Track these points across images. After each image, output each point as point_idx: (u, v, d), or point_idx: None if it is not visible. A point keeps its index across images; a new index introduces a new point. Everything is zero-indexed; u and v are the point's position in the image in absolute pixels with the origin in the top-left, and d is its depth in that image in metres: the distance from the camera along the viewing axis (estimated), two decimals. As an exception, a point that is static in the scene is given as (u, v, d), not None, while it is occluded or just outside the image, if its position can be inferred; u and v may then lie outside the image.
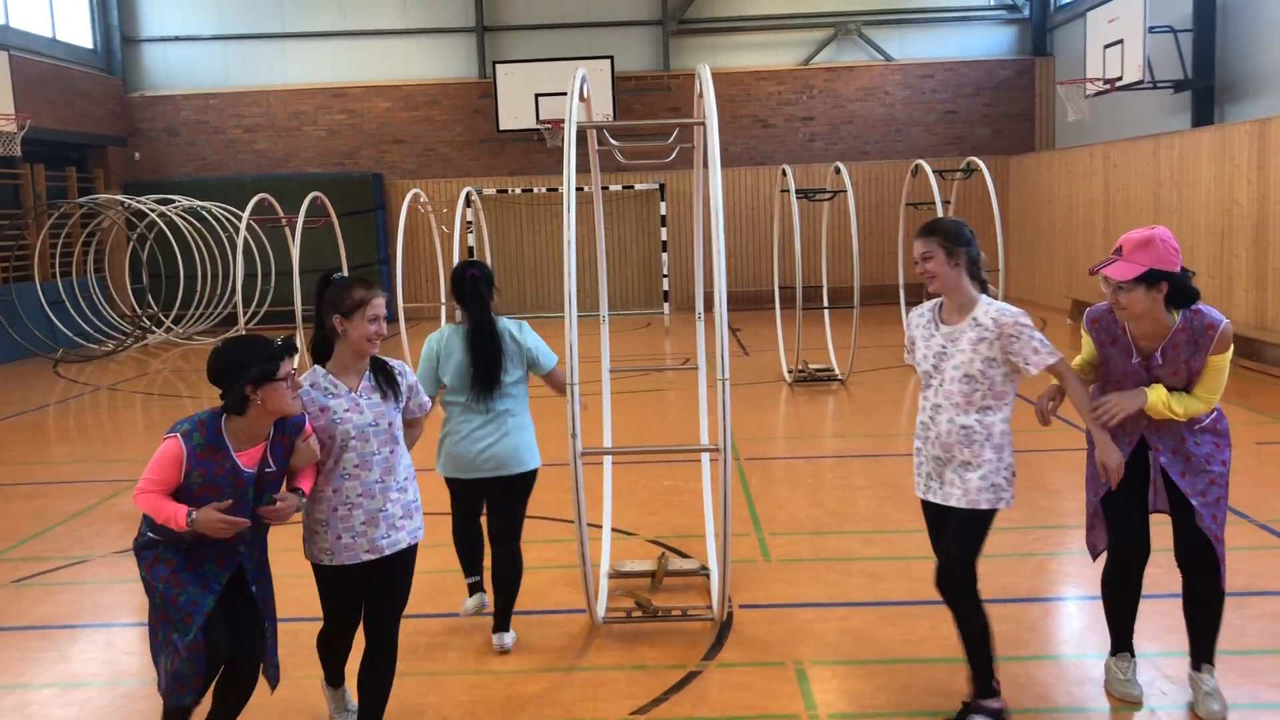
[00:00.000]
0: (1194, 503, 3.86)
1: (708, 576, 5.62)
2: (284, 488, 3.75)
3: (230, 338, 3.60)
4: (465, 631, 5.10)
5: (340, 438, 3.74)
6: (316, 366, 3.86)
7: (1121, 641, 4.25)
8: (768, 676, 4.49)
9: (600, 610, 5.11)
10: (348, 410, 3.77)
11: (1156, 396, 3.79)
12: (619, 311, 19.72)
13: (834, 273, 14.80)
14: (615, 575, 5.65)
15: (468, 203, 12.59)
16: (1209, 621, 4.03)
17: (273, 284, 17.76)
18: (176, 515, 3.49)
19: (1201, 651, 4.06)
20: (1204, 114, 13.90)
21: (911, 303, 15.63)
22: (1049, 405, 3.94)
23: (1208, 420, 3.93)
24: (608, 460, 6.56)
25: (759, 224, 19.39)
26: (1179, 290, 3.74)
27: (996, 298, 4.02)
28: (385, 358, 3.98)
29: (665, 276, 19.72)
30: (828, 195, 11.74)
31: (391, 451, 3.84)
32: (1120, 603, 4.19)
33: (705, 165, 5.12)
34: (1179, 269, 3.75)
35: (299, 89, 20.13)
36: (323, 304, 3.80)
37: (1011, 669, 4.48)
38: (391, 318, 19.23)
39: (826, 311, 12.80)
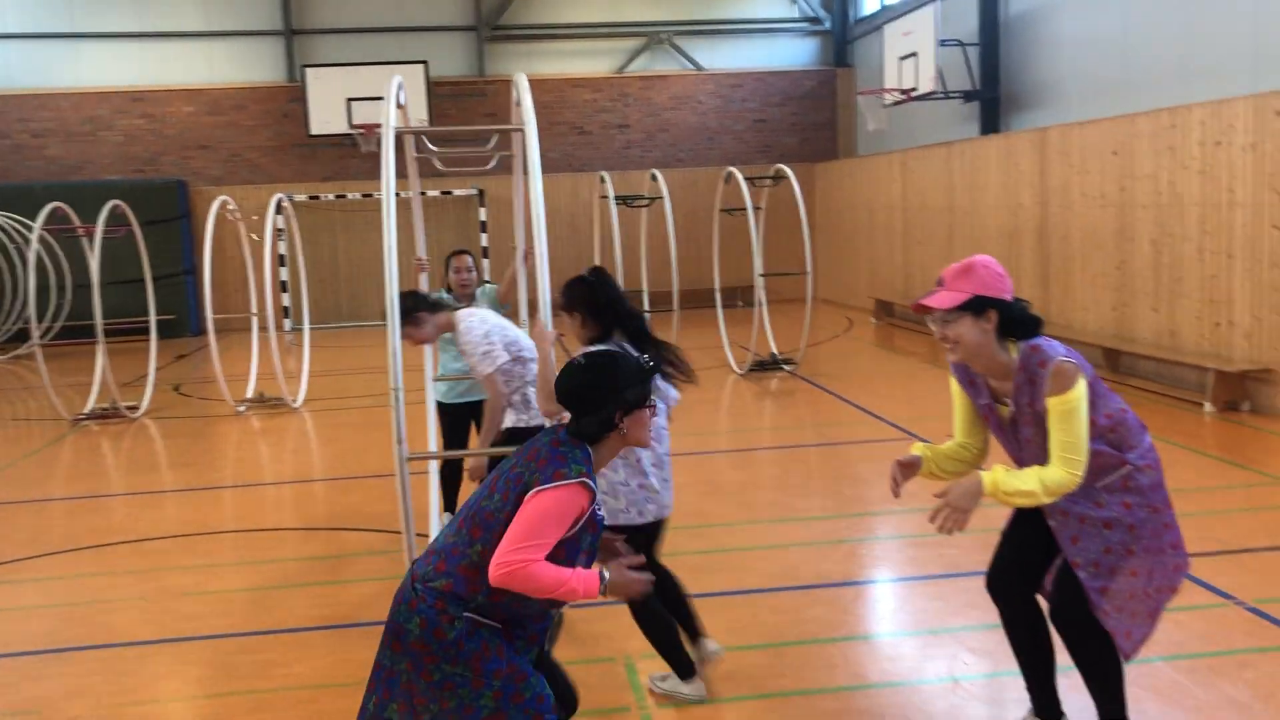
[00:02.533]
0: (1080, 574, 3.41)
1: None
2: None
3: (594, 354, 3.06)
4: (296, 648, 5.02)
5: None
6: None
7: (1033, 699, 3.77)
8: (598, 672, 4.61)
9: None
10: None
11: (991, 482, 3.22)
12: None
13: (654, 278, 15.09)
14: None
15: (278, 210, 12.26)
16: (1096, 689, 3.59)
17: (69, 298, 16.82)
18: (587, 582, 2.79)
19: (1100, 712, 3.63)
20: (991, 123, 14.83)
21: (728, 306, 16.11)
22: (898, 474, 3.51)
23: (1114, 477, 3.37)
24: (433, 467, 6.55)
25: (579, 230, 19.55)
26: (1010, 319, 3.30)
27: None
28: None
29: (487, 282, 19.60)
30: (646, 202, 12.00)
31: None
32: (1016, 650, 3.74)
33: (525, 172, 5.20)
34: (1009, 297, 3.33)
35: (93, 92, 19.13)
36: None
37: (827, 650, 4.74)
38: (199, 330, 18.58)
39: (648, 316, 13.03)
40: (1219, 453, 8.01)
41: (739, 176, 12.00)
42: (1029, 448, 3.41)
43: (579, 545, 2.86)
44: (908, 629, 5.02)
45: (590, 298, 4.32)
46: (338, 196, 19.46)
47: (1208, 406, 9.27)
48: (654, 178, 11.91)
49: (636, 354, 3.36)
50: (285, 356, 14.21)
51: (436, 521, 6.38)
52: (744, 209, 11.60)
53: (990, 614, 4.07)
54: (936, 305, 3.30)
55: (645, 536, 4.24)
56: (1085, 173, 11.62)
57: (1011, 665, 3.78)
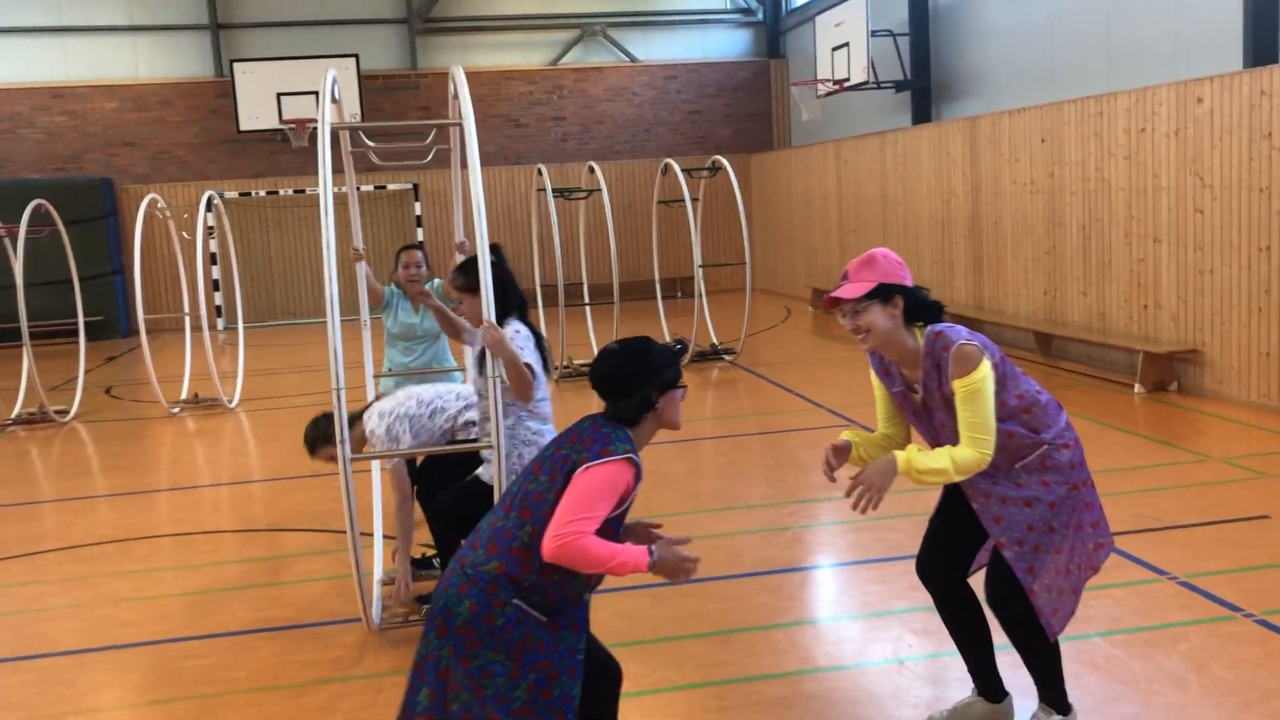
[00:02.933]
0: (1006, 554, 3.49)
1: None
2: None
3: (626, 340, 3.11)
4: (239, 651, 4.95)
5: None
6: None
7: (975, 680, 3.86)
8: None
9: (376, 617, 5.07)
10: None
11: (905, 461, 3.30)
12: (377, 315, 19.32)
13: (593, 270, 15.08)
14: (389, 581, 5.62)
15: (209, 207, 12.04)
16: (1034, 667, 3.67)
17: (-9, 300, 16.36)
18: (636, 557, 2.79)
19: (1040, 691, 3.71)
20: (922, 112, 15.02)
21: (667, 297, 16.15)
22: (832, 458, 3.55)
23: (1032, 457, 3.47)
24: (375, 467, 6.49)
25: (516, 223, 19.46)
26: (914, 304, 3.43)
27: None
28: None
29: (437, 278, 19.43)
30: (584, 194, 11.96)
31: None
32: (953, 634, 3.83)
33: (464, 166, 5.17)
34: (910, 284, 3.47)
35: (10, 88, 18.61)
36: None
37: (774, 636, 4.78)
38: (128, 331, 18.17)
39: (588, 308, 13.04)
40: (1149, 432, 8.21)
41: (676, 168, 12.02)
42: (943, 432, 3.50)
43: (623, 523, 2.93)
44: (852, 613, 5.09)
45: (495, 279, 4.33)
46: (269, 193, 19.16)
47: (1137, 388, 9.49)
48: (591, 170, 11.89)
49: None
50: (219, 356, 13.98)
51: (379, 517, 6.31)
52: (682, 200, 11.63)
53: (933, 595, 4.15)
54: (847, 296, 3.40)
55: None
56: (1015, 160, 11.82)
57: (953, 645, 3.85)
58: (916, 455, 3.31)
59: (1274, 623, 4.63)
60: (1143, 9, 10.65)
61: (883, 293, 3.38)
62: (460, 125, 4.99)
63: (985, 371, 3.32)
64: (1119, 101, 10.05)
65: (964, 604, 3.74)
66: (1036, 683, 3.69)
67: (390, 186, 19.41)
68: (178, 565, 6.29)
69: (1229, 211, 8.78)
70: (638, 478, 2.91)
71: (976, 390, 3.30)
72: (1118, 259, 10.21)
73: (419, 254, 6.59)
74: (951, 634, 3.82)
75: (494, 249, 4.55)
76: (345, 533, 6.51)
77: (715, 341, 12.58)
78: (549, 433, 4.54)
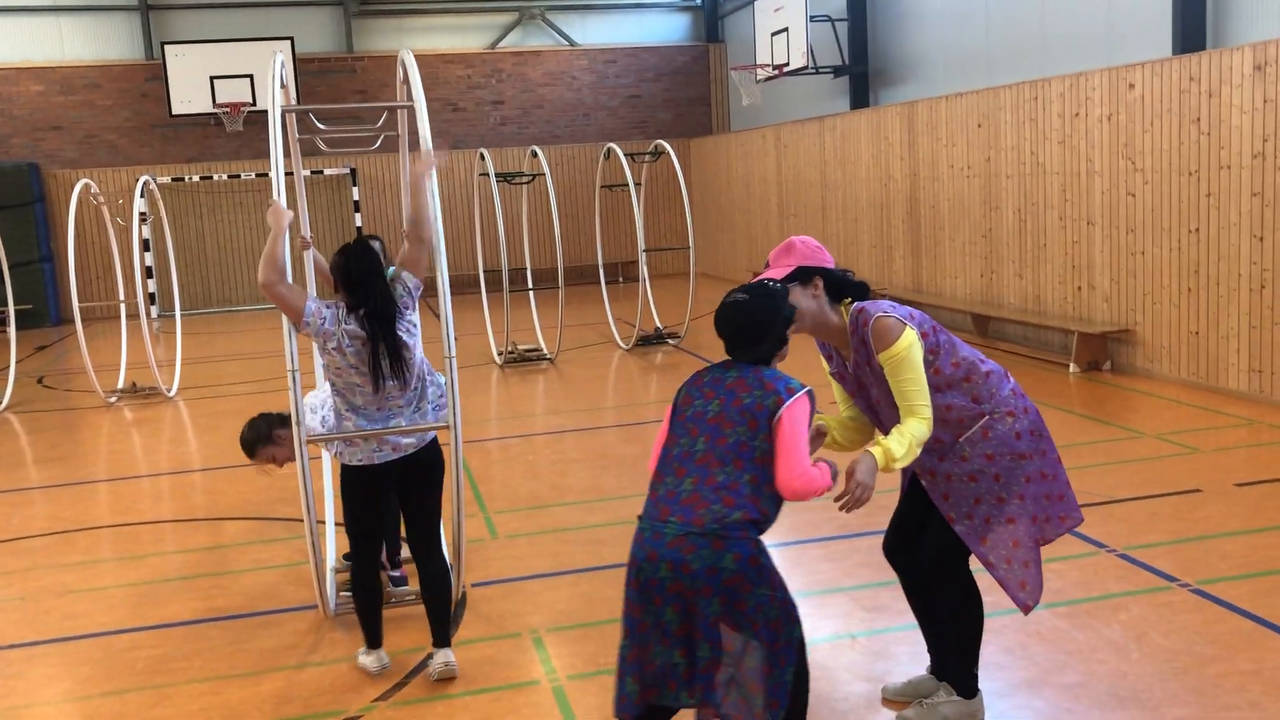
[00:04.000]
0: (958, 529, 3.57)
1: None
2: None
3: (751, 286, 3.28)
4: (192, 640, 4.90)
5: None
6: None
7: (933, 659, 3.97)
8: (508, 649, 4.63)
9: (332, 603, 5.05)
10: None
11: (884, 458, 3.32)
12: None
13: (536, 255, 15.04)
14: (343, 569, 5.59)
15: (143, 193, 11.81)
16: (952, 646, 3.75)
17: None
18: (825, 475, 3.10)
19: (949, 670, 3.81)
20: (860, 98, 15.17)
21: (610, 282, 16.15)
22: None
23: (974, 429, 3.53)
24: (326, 456, 6.44)
25: (457, 208, 19.32)
26: (836, 284, 3.53)
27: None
28: None
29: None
30: (527, 179, 11.93)
31: None
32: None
33: (414, 150, 5.15)
34: (833, 267, 3.57)
35: (-69, 70, 18.06)
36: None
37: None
38: (59, 319, 17.77)
39: (532, 293, 13.02)
40: (1084, 410, 8.43)
41: (619, 152, 12.03)
42: (882, 408, 3.57)
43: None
44: (803, 589, 5.17)
45: (343, 269, 4.24)
46: (203, 178, 18.81)
47: (1072, 367, 9.73)
48: (534, 154, 11.85)
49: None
50: (155, 344, 13.73)
51: (331, 503, 6.27)
52: (624, 185, 11.65)
53: (882, 572, 4.24)
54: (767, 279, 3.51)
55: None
56: (952, 145, 12.01)
57: (902, 620, 3.94)
58: (889, 448, 3.33)
59: (1209, 592, 4.80)
60: (1075, -4, 10.86)
61: (801, 275, 3.47)
62: (411, 107, 4.96)
63: (909, 340, 3.39)
64: (1053, 87, 10.26)
65: (927, 583, 3.82)
66: (949, 662, 3.78)
67: (327, 171, 19.16)
68: (122, 556, 6.20)
69: (1160, 195, 9.01)
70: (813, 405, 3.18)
71: (902, 359, 3.37)
72: (1053, 241, 10.44)
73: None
74: (914, 611, 3.92)
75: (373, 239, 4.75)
76: (291, 521, 6.51)
77: (659, 326, 12.62)
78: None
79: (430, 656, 4.44)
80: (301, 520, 6.16)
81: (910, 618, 4.02)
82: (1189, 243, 8.73)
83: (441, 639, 4.43)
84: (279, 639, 4.86)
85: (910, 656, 4.26)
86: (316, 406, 4.81)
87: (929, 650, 3.97)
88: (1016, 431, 3.55)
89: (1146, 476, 6.56)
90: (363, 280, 4.20)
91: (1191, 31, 9.25)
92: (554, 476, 7.34)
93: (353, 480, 4.36)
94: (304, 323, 4.24)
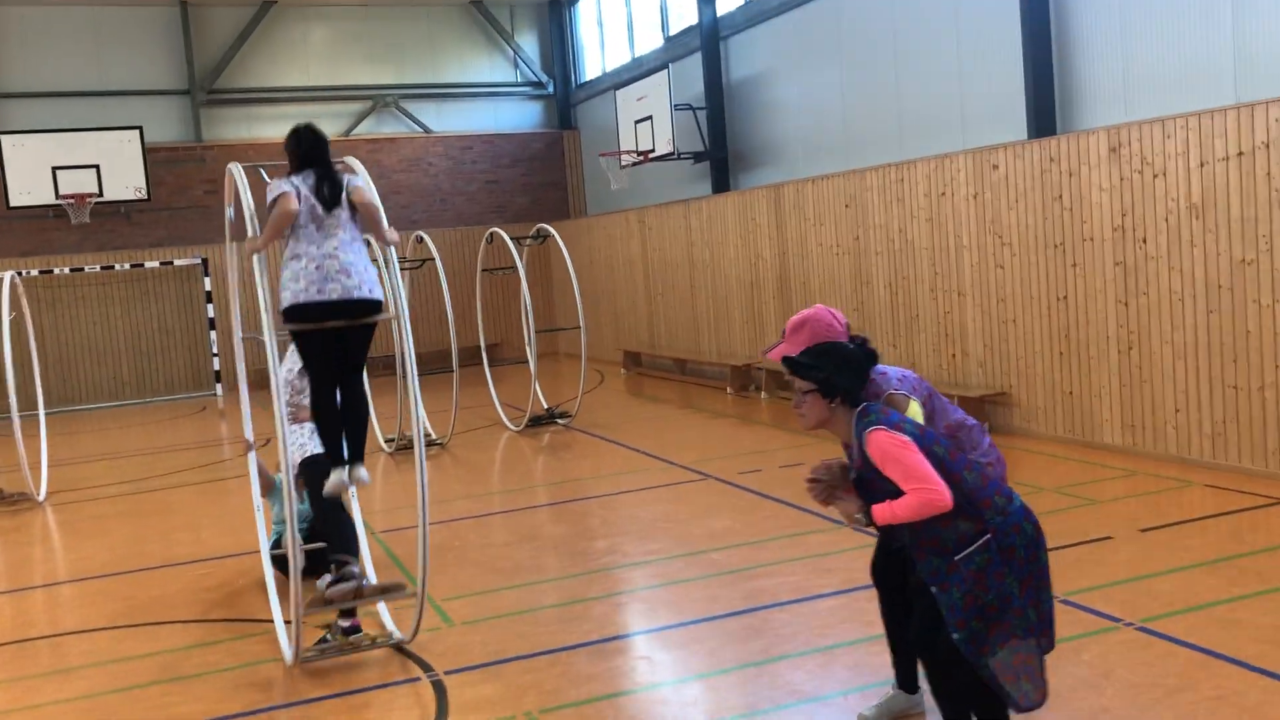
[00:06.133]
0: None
1: (407, 594, 5.65)
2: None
3: (818, 346, 3.76)
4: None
5: None
6: None
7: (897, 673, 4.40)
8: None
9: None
10: None
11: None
12: (168, 396, 18.43)
13: (420, 339, 14.91)
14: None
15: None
16: (943, 706, 3.87)
17: None
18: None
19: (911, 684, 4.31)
20: (722, 182, 15.79)
21: (468, 365, 16.09)
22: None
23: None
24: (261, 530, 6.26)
25: (313, 297, 18.90)
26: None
27: None
28: None
29: (215, 355, 18.65)
30: (415, 264, 11.91)
31: None
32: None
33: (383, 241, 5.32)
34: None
35: None
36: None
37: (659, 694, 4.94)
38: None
39: (415, 379, 12.87)
40: (978, 469, 8.92)
41: (505, 237, 12.16)
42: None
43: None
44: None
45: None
46: (42, 272, 17.91)
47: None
48: (420, 239, 11.86)
49: None
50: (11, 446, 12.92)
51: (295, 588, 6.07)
52: (506, 268, 11.76)
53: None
54: (774, 357, 3.99)
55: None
56: (820, 224, 12.64)
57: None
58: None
59: (1153, 628, 5.20)
60: (930, 84, 11.66)
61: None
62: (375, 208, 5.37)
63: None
64: (919, 168, 10.99)
65: (902, 606, 4.14)
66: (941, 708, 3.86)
67: (177, 262, 18.56)
68: (53, 670, 5.84)
69: (1028, 266, 9.74)
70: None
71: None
72: (925, 313, 11.08)
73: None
74: (887, 630, 4.33)
75: None
76: (232, 622, 6.27)
77: (549, 406, 12.70)
78: None
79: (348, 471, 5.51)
80: (242, 620, 6.03)
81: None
82: (1058, 309, 9.45)
83: (357, 455, 5.53)
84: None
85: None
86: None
87: (894, 667, 4.37)
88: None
89: (1059, 527, 7.00)
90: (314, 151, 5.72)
91: (1044, 116, 10.10)
92: (491, 561, 7.29)
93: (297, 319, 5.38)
94: (290, 202, 5.39)
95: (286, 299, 5.35)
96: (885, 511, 3.53)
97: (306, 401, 6.10)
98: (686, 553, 7.09)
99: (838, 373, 3.67)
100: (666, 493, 8.89)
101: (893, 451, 3.50)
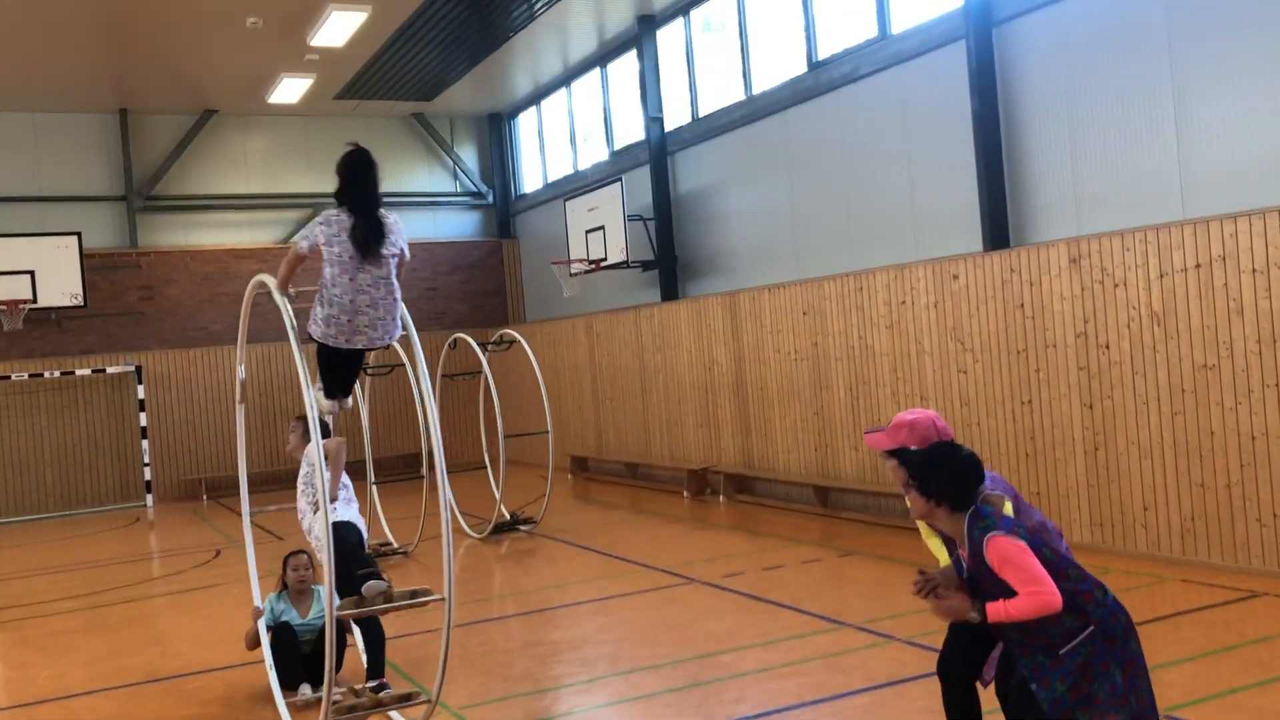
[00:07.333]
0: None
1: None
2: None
3: (931, 449, 4.16)
4: None
5: None
6: None
7: None
8: None
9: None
10: None
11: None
12: (95, 509, 17.81)
13: (377, 447, 14.76)
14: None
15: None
16: None
17: None
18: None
19: None
20: (670, 289, 16.11)
21: (453, 470, 15.96)
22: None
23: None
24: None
25: (270, 402, 18.62)
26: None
27: None
28: None
29: (147, 466, 18.13)
30: (385, 370, 11.89)
31: None
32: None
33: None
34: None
35: None
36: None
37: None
38: None
39: (375, 487, 12.74)
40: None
41: (471, 342, 12.24)
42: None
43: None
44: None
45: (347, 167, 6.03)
46: (-33, 380, 17.33)
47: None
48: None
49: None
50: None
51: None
52: (469, 374, 11.81)
53: None
54: (869, 443, 4.41)
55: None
56: (778, 331, 12.99)
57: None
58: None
59: (1178, 717, 5.39)
60: (881, 195, 12.12)
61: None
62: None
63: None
64: (878, 278, 11.43)
65: (969, 702, 4.31)
66: None
67: (110, 370, 18.14)
68: (63, 794, 5.58)
69: (990, 371, 10.16)
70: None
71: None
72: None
73: (304, 557, 7.05)
74: None
75: None
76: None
77: (511, 512, 12.66)
78: None
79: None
80: None
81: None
82: (1023, 413, 9.85)
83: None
84: None
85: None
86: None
87: None
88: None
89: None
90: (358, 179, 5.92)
91: (998, 229, 10.61)
92: (498, 668, 7.21)
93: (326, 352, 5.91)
94: (306, 246, 5.85)
95: (316, 333, 5.90)
96: (1000, 610, 3.71)
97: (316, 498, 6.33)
98: (696, 655, 7.11)
99: (939, 480, 3.98)
100: (655, 597, 8.91)
101: (1012, 556, 3.72)
